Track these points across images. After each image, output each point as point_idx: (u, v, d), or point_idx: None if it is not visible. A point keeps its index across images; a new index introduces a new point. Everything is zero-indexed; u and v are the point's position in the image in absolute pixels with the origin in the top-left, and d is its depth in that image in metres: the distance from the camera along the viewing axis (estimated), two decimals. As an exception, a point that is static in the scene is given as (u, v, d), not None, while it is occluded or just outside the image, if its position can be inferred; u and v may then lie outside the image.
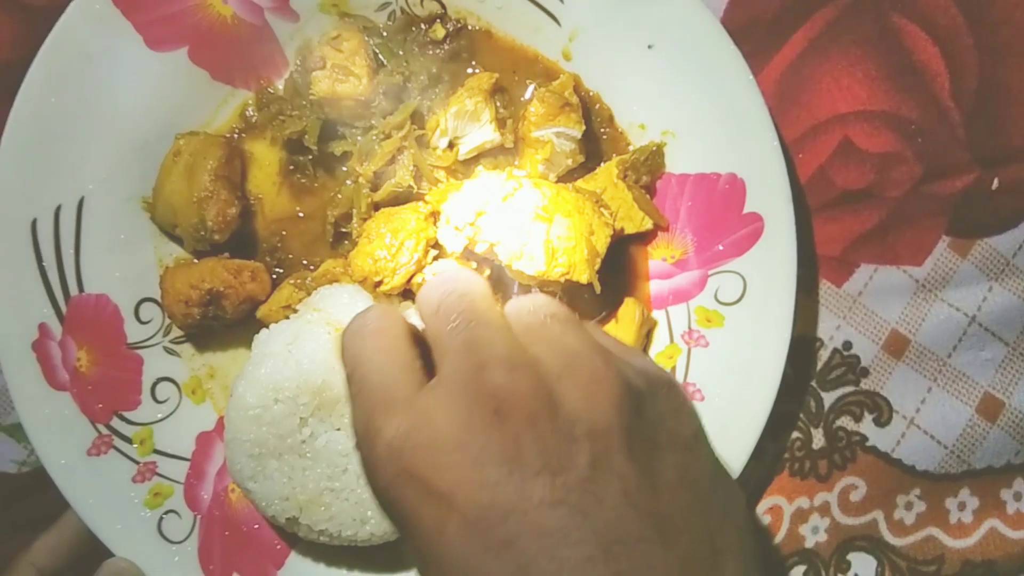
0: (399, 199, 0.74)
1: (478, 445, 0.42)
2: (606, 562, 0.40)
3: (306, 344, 0.66)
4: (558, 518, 0.40)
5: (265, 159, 0.77)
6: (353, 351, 0.49)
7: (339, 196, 0.75)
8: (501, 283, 0.72)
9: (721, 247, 0.74)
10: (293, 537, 0.72)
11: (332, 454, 0.66)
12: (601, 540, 0.40)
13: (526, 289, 0.70)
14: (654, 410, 0.45)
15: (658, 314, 0.76)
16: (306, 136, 0.74)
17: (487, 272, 0.71)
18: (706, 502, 0.45)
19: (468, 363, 0.44)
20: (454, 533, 0.41)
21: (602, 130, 0.77)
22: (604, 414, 0.43)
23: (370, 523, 0.67)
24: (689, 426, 0.47)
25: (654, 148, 0.74)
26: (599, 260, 0.68)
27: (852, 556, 0.79)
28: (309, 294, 0.72)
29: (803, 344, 0.79)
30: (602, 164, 0.76)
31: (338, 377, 0.66)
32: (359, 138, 0.74)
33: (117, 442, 0.72)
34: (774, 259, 0.72)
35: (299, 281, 0.73)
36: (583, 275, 0.66)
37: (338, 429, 0.67)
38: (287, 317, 0.71)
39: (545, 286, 0.68)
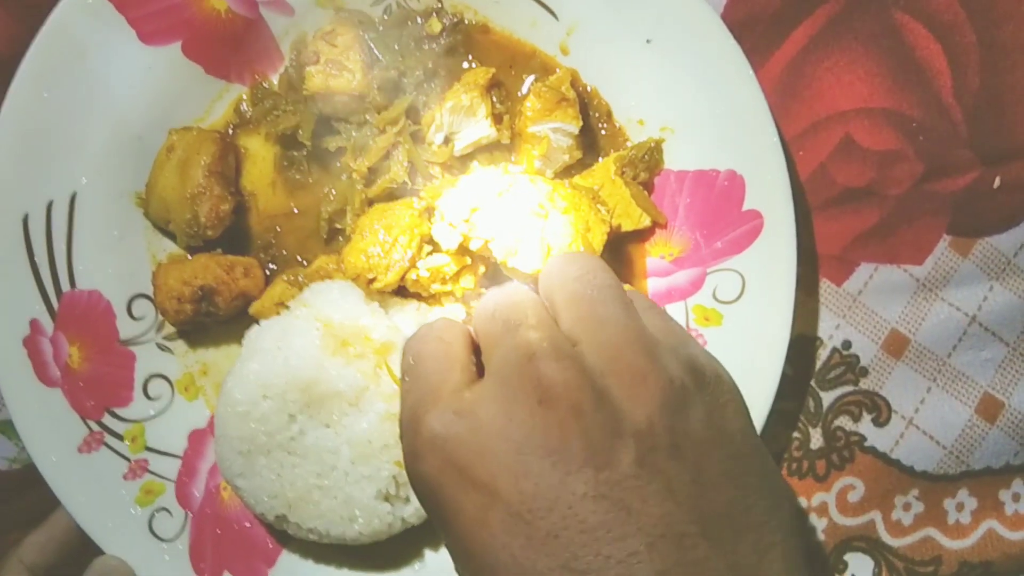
0: (393, 195, 0.73)
1: (521, 434, 0.42)
2: (651, 559, 0.40)
3: (295, 341, 0.66)
4: (601, 513, 0.40)
5: (259, 155, 0.77)
6: (415, 350, 0.50)
7: (333, 192, 0.74)
8: (496, 280, 0.71)
9: (720, 245, 0.73)
10: (285, 536, 0.71)
11: (321, 451, 0.66)
12: (645, 537, 0.40)
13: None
14: (701, 406, 0.45)
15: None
16: (300, 131, 0.73)
17: (481, 269, 0.71)
18: (752, 499, 0.44)
19: (515, 356, 0.45)
20: (497, 524, 0.41)
21: (600, 126, 0.76)
22: (648, 413, 0.43)
23: (358, 522, 0.66)
24: (736, 421, 0.47)
25: (652, 144, 0.74)
26: (595, 258, 0.67)
27: (849, 556, 0.79)
28: (302, 290, 0.71)
29: (802, 343, 0.78)
30: (600, 160, 0.75)
31: (326, 374, 0.65)
32: (354, 133, 0.73)
33: (108, 439, 0.72)
34: (773, 257, 0.71)
35: (292, 278, 0.73)
36: (579, 273, 0.66)
37: (327, 426, 0.66)
38: (280, 313, 0.70)
39: (540, 284, 0.68)
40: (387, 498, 0.67)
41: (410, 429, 0.46)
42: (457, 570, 0.46)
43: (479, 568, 0.43)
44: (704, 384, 0.46)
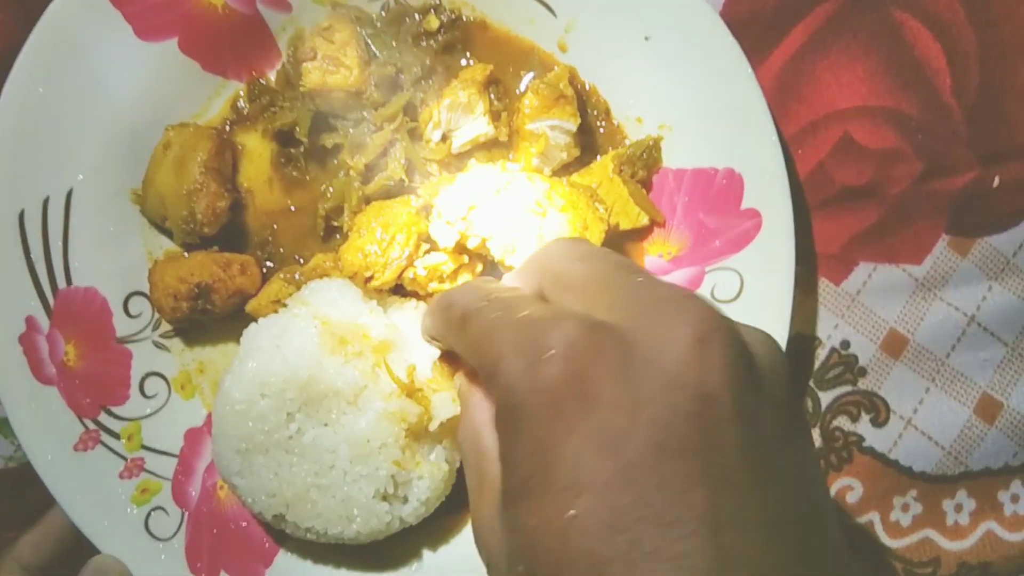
0: (391, 192, 0.73)
1: (676, 368, 0.38)
2: (785, 537, 0.37)
3: (293, 339, 0.66)
4: (748, 470, 0.37)
5: (256, 151, 0.76)
6: (477, 291, 0.48)
7: (330, 189, 0.74)
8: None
9: (718, 243, 0.73)
10: (282, 535, 0.71)
11: (319, 450, 0.65)
12: (785, 506, 0.38)
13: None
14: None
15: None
16: (297, 128, 0.73)
17: (479, 267, 0.70)
18: (830, 512, 0.43)
19: (659, 293, 0.42)
20: (634, 452, 0.37)
21: (598, 123, 0.76)
22: (780, 390, 0.41)
23: (356, 521, 0.66)
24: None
25: (651, 142, 0.74)
26: (593, 256, 0.67)
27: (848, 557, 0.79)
28: (299, 288, 0.71)
29: (800, 343, 0.78)
30: (598, 158, 0.75)
31: (325, 372, 0.65)
32: (351, 130, 0.73)
33: (104, 437, 0.72)
34: (772, 256, 0.71)
35: (289, 275, 0.72)
36: (577, 271, 0.65)
37: (325, 425, 0.66)
38: (276, 311, 0.70)
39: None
40: (385, 497, 0.67)
41: (529, 335, 0.41)
42: (522, 516, 0.40)
43: (595, 507, 0.37)
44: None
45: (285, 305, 0.70)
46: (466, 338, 0.47)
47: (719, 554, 0.36)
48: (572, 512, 0.37)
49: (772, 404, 0.40)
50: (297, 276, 0.72)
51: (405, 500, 0.68)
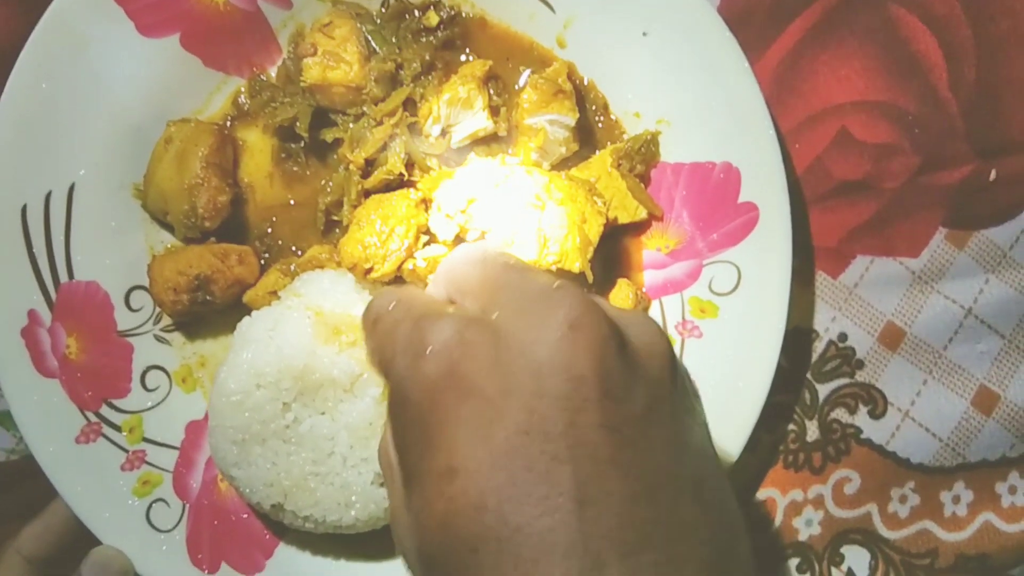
0: (390, 186, 0.73)
1: (546, 354, 0.41)
2: (651, 505, 0.40)
3: (287, 329, 0.66)
4: (613, 447, 0.40)
5: (257, 146, 0.77)
6: (392, 296, 0.50)
7: (330, 184, 0.74)
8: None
9: (716, 237, 0.73)
10: (282, 527, 0.71)
11: (316, 438, 0.66)
12: (648, 481, 0.40)
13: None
14: (684, 387, 0.48)
15: (652, 304, 0.75)
16: (297, 123, 0.73)
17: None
18: (720, 484, 0.46)
19: (538, 285, 0.45)
20: (501, 440, 0.40)
21: (597, 118, 0.76)
22: (659, 371, 0.45)
23: (355, 507, 0.66)
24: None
25: (649, 137, 0.74)
26: (591, 249, 0.67)
27: (846, 549, 0.79)
28: (294, 280, 0.71)
29: (798, 335, 0.79)
30: (596, 152, 0.75)
31: (319, 362, 0.65)
32: (351, 125, 0.74)
33: (106, 430, 0.72)
34: (769, 249, 0.71)
35: (285, 267, 0.73)
36: (575, 264, 0.66)
37: (322, 413, 0.66)
38: (271, 303, 0.70)
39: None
40: (383, 483, 0.67)
41: (413, 334, 0.45)
42: (413, 500, 0.43)
43: (465, 490, 0.40)
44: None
45: (280, 297, 0.71)
46: (373, 341, 0.50)
47: (583, 527, 0.38)
48: (446, 495, 0.40)
49: (648, 382, 0.43)
50: (293, 268, 0.73)
51: (404, 487, 0.68)
